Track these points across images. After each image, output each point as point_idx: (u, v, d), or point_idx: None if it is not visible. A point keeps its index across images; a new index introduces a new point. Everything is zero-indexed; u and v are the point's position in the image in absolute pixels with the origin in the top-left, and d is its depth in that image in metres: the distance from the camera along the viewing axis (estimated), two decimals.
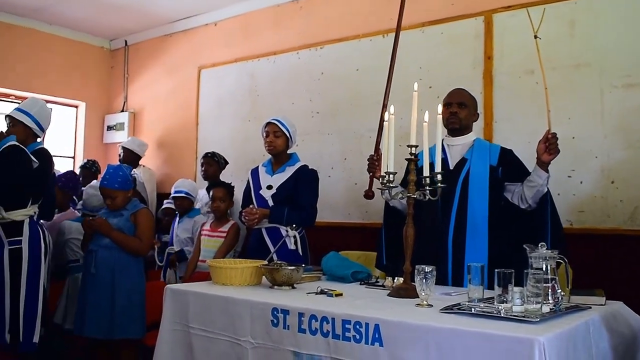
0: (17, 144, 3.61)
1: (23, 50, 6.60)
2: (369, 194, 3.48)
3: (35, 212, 3.65)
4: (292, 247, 3.85)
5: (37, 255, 3.54)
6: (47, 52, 6.82)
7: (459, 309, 2.15)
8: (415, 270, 2.32)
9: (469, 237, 3.13)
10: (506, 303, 2.10)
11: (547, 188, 3.05)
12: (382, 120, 3.42)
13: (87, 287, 3.75)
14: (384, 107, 3.62)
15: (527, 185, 3.08)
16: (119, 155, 6.14)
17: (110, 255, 3.72)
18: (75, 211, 4.99)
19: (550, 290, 2.19)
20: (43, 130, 3.94)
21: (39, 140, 3.95)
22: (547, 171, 3.01)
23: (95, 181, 5.12)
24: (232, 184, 4.76)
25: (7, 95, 6.29)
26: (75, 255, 4.42)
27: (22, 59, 6.58)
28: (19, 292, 3.44)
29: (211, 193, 4.62)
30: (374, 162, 3.30)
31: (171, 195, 4.98)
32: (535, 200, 3.08)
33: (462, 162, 3.24)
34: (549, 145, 2.94)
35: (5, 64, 6.44)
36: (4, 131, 3.76)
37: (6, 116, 3.84)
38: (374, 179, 3.32)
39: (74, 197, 5.12)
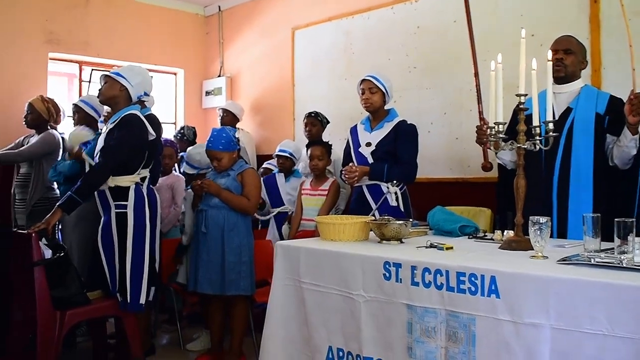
0: (136, 113, 3.67)
1: (122, 22, 6.82)
2: (486, 166, 3.42)
3: (143, 178, 3.71)
4: (394, 203, 3.85)
5: (141, 220, 3.61)
6: (145, 22, 7.03)
7: (577, 260, 2.11)
8: (530, 222, 2.28)
9: (573, 188, 3.06)
10: (626, 254, 2.04)
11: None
12: (478, 87, 3.32)
13: (199, 245, 3.88)
14: (475, 64, 3.51)
15: (617, 144, 2.96)
16: (220, 117, 6.26)
17: (219, 214, 3.83)
18: (179, 175, 5.14)
19: None
20: (146, 94, 3.93)
21: (147, 106, 4.06)
22: (635, 133, 2.87)
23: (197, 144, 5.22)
24: (330, 143, 4.78)
25: (110, 66, 6.48)
26: None
27: (122, 30, 6.81)
28: (125, 255, 3.54)
29: (309, 152, 4.64)
30: (483, 132, 3.13)
31: (275, 154, 5.04)
32: (622, 161, 2.98)
33: (567, 111, 3.14)
34: (633, 107, 2.80)
35: (107, 35, 6.69)
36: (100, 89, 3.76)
37: (102, 75, 3.81)
38: (488, 150, 3.24)
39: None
